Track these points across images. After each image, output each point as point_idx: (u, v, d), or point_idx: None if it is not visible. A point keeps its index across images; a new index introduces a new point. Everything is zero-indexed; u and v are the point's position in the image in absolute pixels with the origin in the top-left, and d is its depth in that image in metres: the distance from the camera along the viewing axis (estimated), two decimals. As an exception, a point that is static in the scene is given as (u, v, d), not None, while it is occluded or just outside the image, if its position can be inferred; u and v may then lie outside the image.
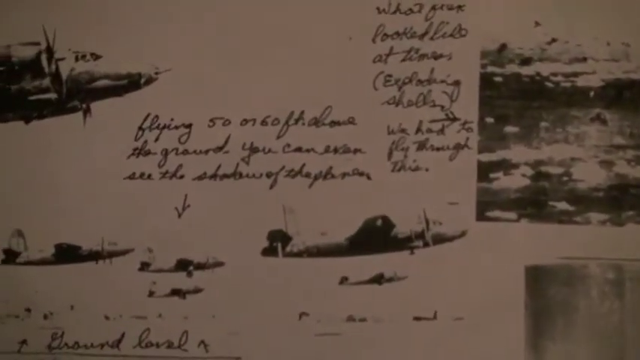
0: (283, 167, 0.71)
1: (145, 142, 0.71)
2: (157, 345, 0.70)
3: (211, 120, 0.71)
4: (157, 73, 0.71)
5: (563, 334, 0.67)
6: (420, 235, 0.68)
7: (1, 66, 0.71)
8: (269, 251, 0.71)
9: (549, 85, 0.69)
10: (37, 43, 0.72)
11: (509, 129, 0.69)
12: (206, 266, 0.70)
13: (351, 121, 0.70)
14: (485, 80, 0.70)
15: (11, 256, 0.72)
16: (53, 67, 0.71)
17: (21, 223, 0.72)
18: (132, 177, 0.71)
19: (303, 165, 0.70)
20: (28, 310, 0.71)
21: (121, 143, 0.72)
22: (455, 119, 0.69)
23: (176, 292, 0.71)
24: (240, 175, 0.71)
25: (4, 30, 0.71)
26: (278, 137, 0.71)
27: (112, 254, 0.70)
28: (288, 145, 0.70)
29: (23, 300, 0.72)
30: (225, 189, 0.71)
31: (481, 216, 0.69)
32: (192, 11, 0.71)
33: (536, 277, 0.68)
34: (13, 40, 0.72)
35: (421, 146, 0.69)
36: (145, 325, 0.71)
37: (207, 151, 0.71)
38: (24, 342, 0.71)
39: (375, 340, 0.69)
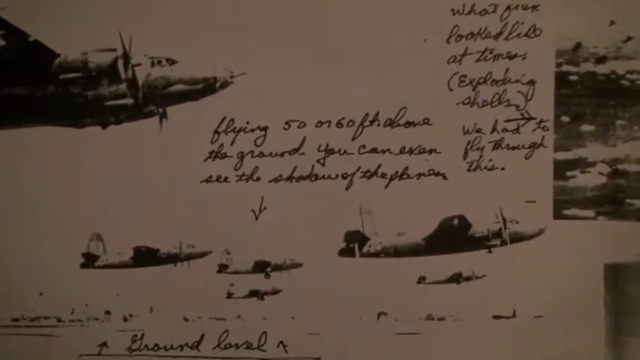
0: (359, 168, 0.72)
1: (221, 145, 0.72)
2: (237, 346, 0.71)
3: (287, 122, 0.73)
4: (232, 77, 0.72)
5: (643, 331, 0.67)
6: (498, 234, 0.69)
7: (79, 72, 0.72)
8: (346, 252, 0.72)
9: (625, 83, 0.71)
10: (114, 50, 0.73)
11: (585, 127, 0.70)
12: (284, 267, 0.72)
13: (426, 121, 0.71)
14: (561, 79, 0.71)
15: (90, 260, 0.74)
16: (130, 72, 0.73)
17: (100, 227, 0.74)
18: (209, 180, 0.72)
19: (379, 166, 0.72)
20: (108, 312, 0.73)
21: (198, 147, 0.73)
22: (530, 118, 0.70)
23: (254, 294, 0.73)
24: (316, 177, 0.72)
25: (80, 37, 0.73)
26: (353, 138, 0.72)
27: (190, 257, 0.71)
28: (364, 147, 0.72)
29: (103, 303, 0.74)
30: (302, 190, 0.72)
31: (558, 214, 0.70)
32: (267, 15, 0.72)
33: (615, 275, 0.69)
34: (90, 46, 0.74)
35: (497, 145, 0.69)
36: (224, 326, 0.73)
37: (282, 154, 0.72)
38: (104, 344, 0.73)
39: (454, 339, 0.71)
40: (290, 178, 0.71)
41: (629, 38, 0.70)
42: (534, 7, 0.70)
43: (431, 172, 0.70)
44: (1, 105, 0.72)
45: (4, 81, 0.72)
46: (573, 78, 0.70)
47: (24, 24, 0.72)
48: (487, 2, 0.71)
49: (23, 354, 0.72)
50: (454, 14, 0.71)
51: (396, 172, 0.71)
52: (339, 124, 0.71)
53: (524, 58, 0.70)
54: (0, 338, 0.73)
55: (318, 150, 0.72)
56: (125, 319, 0.73)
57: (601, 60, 0.70)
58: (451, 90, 0.71)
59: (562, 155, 0.70)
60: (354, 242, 0.71)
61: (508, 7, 0.71)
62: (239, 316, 0.72)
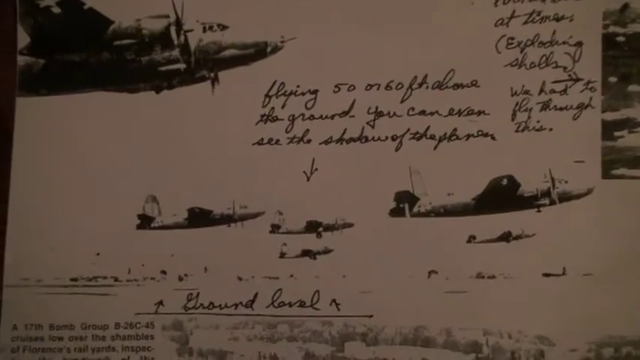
0: (408, 130, 0.74)
1: (272, 108, 0.74)
2: (290, 304, 0.73)
3: (336, 86, 0.75)
4: (282, 42, 0.75)
5: (690, 288, 0.68)
6: (546, 194, 0.70)
7: (132, 39, 0.74)
8: (396, 212, 0.74)
9: None
10: (166, 16, 0.76)
11: (633, 88, 0.71)
12: (335, 227, 0.74)
13: (474, 83, 0.72)
14: (608, 40, 0.73)
15: (146, 221, 0.76)
16: (182, 38, 0.74)
17: (155, 189, 0.76)
18: (260, 142, 0.74)
19: (428, 127, 0.74)
20: (164, 272, 0.75)
21: (249, 110, 0.76)
22: (578, 79, 0.71)
23: (306, 253, 0.74)
24: (366, 139, 0.74)
25: (134, 4, 0.76)
26: (402, 101, 0.74)
27: (243, 217, 0.74)
28: (413, 109, 0.74)
29: (159, 263, 0.76)
30: (352, 152, 0.75)
31: (607, 174, 0.72)
32: None
33: None
34: (143, 13, 0.76)
35: (545, 106, 0.70)
36: (278, 285, 0.75)
37: (333, 116, 0.74)
38: (160, 303, 0.75)
39: (504, 297, 0.72)
40: (340, 140, 0.73)
41: (676, -2, 0.70)
42: None
43: (479, 133, 0.71)
44: (58, 71, 0.74)
45: (60, 48, 0.74)
46: (620, 39, 0.71)
47: (79, -8, 0.73)
48: None
49: (81, 312, 0.74)
50: (502, -23, 0.71)
51: (445, 134, 0.72)
52: (387, 87, 0.72)
53: (571, 20, 0.71)
54: (59, 297, 0.75)
55: (368, 112, 0.73)
56: (180, 279, 0.74)
57: (648, 21, 0.71)
58: (499, 52, 0.72)
59: (610, 116, 0.70)
60: (405, 202, 0.72)
61: (556, -31, 0.71)
62: (292, 276, 0.74)
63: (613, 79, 0.72)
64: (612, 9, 0.72)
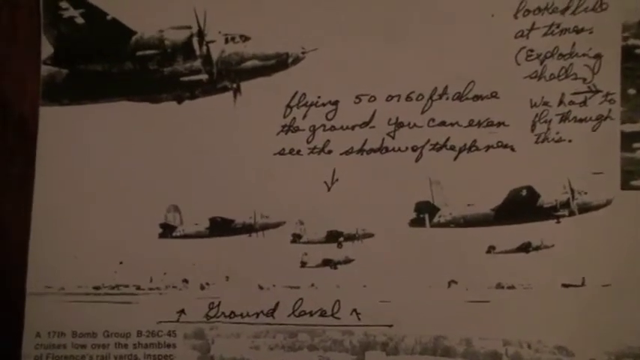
0: (428, 141, 0.75)
1: (294, 119, 0.75)
2: (311, 313, 0.74)
3: (357, 97, 0.76)
4: (303, 53, 0.76)
5: None
6: (566, 205, 0.71)
7: (155, 49, 0.76)
8: (417, 222, 0.75)
9: None
10: (189, 27, 0.77)
11: None
12: (356, 237, 0.75)
13: (494, 95, 0.73)
14: (627, 53, 0.74)
15: (168, 230, 0.77)
16: (204, 49, 0.76)
17: (177, 198, 0.77)
18: (281, 153, 0.75)
19: (448, 138, 0.75)
20: (186, 281, 0.76)
21: (271, 121, 0.77)
22: (597, 91, 0.72)
23: (327, 263, 0.75)
24: (387, 150, 0.75)
25: (157, 15, 0.77)
26: (422, 112, 0.75)
27: (264, 227, 0.75)
28: (433, 120, 0.75)
29: (181, 272, 0.77)
30: (372, 163, 0.76)
31: (626, 185, 0.73)
32: None
33: None
34: (166, 24, 0.77)
35: (564, 118, 0.71)
36: (299, 294, 0.76)
37: (353, 127, 0.75)
38: (182, 311, 0.76)
39: (523, 307, 0.73)
40: (361, 151, 0.74)
41: (694, 11, 0.71)
42: None
43: (499, 144, 0.72)
44: (80, 81, 0.75)
45: (83, 58, 0.75)
46: (639, 51, 0.71)
47: (102, 3, 0.74)
48: None
49: (104, 320, 0.75)
50: (522, -11, 0.72)
51: (465, 145, 0.73)
52: (408, 98, 0.73)
53: (590, 33, 0.72)
54: (82, 305, 0.76)
55: (388, 123, 0.74)
56: (202, 288, 0.75)
57: (667, 33, 0.71)
58: (519, 64, 0.73)
59: (629, 127, 0.71)
60: (425, 212, 0.73)
61: (575, -18, 0.72)
62: (313, 285, 0.75)
63: (632, 91, 0.73)
64: (631, 22, 0.73)
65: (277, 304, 0.76)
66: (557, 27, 0.74)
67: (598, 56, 0.74)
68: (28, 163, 0.76)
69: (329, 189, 0.76)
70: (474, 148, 0.75)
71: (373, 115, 0.75)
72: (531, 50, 0.74)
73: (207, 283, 0.77)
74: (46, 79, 0.76)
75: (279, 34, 0.76)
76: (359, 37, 0.75)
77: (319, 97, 0.76)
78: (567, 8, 0.74)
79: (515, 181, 0.75)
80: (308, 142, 0.76)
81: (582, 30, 0.74)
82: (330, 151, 0.76)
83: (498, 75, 0.74)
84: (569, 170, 0.74)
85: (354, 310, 0.75)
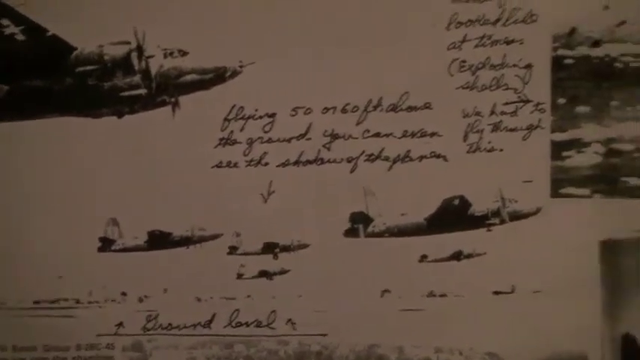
0: (363, 152, 0.83)
1: (231, 132, 0.83)
2: (247, 324, 0.82)
3: (294, 109, 0.83)
4: (241, 67, 0.83)
5: (638, 305, 0.79)
6: (497, 213, 0.81)
7: (95, 65, 0.84)
8: (351, 232, 0.83)
9: (619, 65, 0.81)
10: (128, 42, 0.84)
11: (581, 109, 0.81)
12: (291, 248, 0.83)
13: (427, 106, 0.82)
14: (557, 63, 0.81)
15: (107, 244, 0.84)
16: (143, 64, 0.84)
17: (116, 212, 0.85)
18: (219, 165, 0.83)
19: (382, 149, 0.82)
20: (124, 294, 0.84)
21: (208, 134, 0.84)
22: (528, 101, 0.81)
23: (263, 274, 0.83)
24: (322, 161, 0.83)
25: (96, 31, 0.83)
26: (358, 123, 0.83)
27: (201, 239, 0.83)
28: (368, 131, 0.82)
29: (119, 285, 0.84)
30: (308, 174, 0.83)
31: (555, 193, 0.81)
32: (273, 6, 0.83)
33: (611, 250, 0.80)
34: (105, 40, 0.84)
35: (495, 128, 0.81)
36: (235, 305, 0.83)
37: (290, 139, 0.83)
38: (120, 324, 0.84)
39: (455, 315, 0.80)
40: (297, 163, 0.83)
41: (622, 22, 0.81)
42: None
43: (432, 154, 0.82)
44: (21, 97, 0.83)
45: (24, 74, 0.83)
46: (569, 62, 0.82)
47: (43, 19, 0.84)
48: None
49: (44, 334, 0.83)
50: (453, 2, 0.82)
51: (399, 155, 0.82)
52: (343, 110, 0.83)
53: (521, 43, 0.82)
54: (23, 320, 0.83)
55: (324, 135, 0.83)
56: (140, 300, 0.84)
57: (595, 44, 0.82)
58: (451, 75, 0.82)
59: (558, 136, 0.82)
60: (359, 223, 0.83)
61: (505, -5, 0.82)
62: (249, 296, 0.83)
63: (562, 101, 0.84)
64: (561, 32, 0.83)
65: (214, 315, 0.86)
66: (489, 38, 0.85)
67: (528, 67, 0.84)
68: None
69: (265, 201, 0.86)
70: (407, 159, 0.85)
71: (309, 127, 0.85)
72: (464, 61, 0.84)
73: (146, 296, 0.86)
74: (-13, 95, 0.87)
75: (217, 48, 0.84)
76: (295, 50, 0.84)
77: (256, 110, 0.85)
78: (498, 20, 0.85)
79: (447, 191, 0.83)
80: (245, 155, 0.85)
81: (513, 41, 0.84)
82: (266, 164, 0.85)
83: (432, 86, 0.83)
84: (501, 179, 0.83)
85: (290, 320, 0.85)
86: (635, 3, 0.80)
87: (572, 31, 0.81)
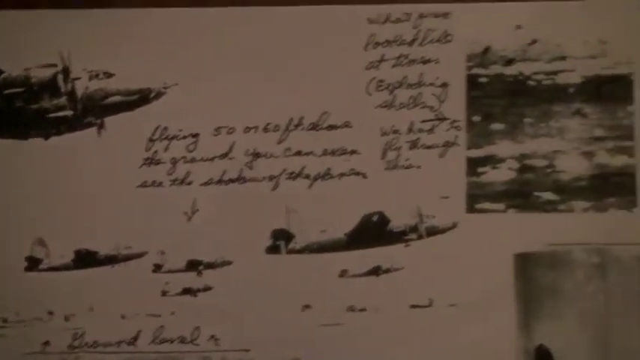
0: (284, 170, 0.88)
1: (156, 152, 0.89)
2: (171, 341, 0.87)
3: (216, 129, 0.89)
4: (165, 88, 0.89)
5: (552, 316, 0.85)
6: (414, 229, 0.88)
7: (22, 87, 0.89)
8: (273, 249, 0.88)
9: (532, 83, 0.87)
10: (54, 65, 0.90)
11: (495, 126, 0.87)
12: (215, 266, 0.88)
13: (347, 124, 0.88)
14: (472, 81, 0.88)
15: (34, 263, 0.89)
16: (69, 86, 0.89)
17: (42, 231, 0.89)
18: (144, 185, 0.89)
19: (303, 167, 0.88)
20: (51, 312, 0.88)
21: (133, 154, 0.89)
22: (444, 119, 0.88)
23: (187, 291, 0.88)
24: (245, 180, 0.89)
25: (23, 54, 0.89)
26: (279, 142, 0.89)
27: (127, 258, 0.88)
28: (289, 150, 0.88)
29: (46, 303, 0.88)
30: (231, 193, 0.88)
31: (471, 208, 0.87)
32: (195, 29, 0.89)
33: (525, 264, 0.85)
34: (32, 63, 0.90)
35: (413, 145, 0.87)
36: (159, 322, 0.88)
37: (213, 158, 0.89)
38: (47, 343, 0.88)
39: (374, 329, 0.85)
40: (220, 182, 0.89)
41: (534, 41, 0.90)
42: (445, 15, 0.88)
43: (352, 171, 0.89)
44: None
45: None
46: (483, 80, 0.90)
47: (-30, 44, 0.86)
48: (401, 11, 0.88)
49: None
50: (371, 23, 0.90)
51: (319, 173, 0.88)
52: (265, 129, 0.89)
53: (437, 63, 0.89)
54: None
55: (246, 154, 0.89)
56: (67, 319, 0.88)
57: (509, 62, 0.90)
58: (370, 94, 0.89)
59: (474, 153, 0.89)
60: (281, 240, 0.88)
61: (421, 16, 0.89)
62: (173, 313, 0.88)
63: (477, 118, 0.93)
64: (475, 52, 0.91)
65: (139, 332, 0.90)
66: (406, 58, 0.93)
67: (444, 85, 0.90)
68: None
69: (189, 219, 0.92)
70: (328, 176, 0.91)
71: (232, 147, 0.90)
72: (381, 81, 0.91)
73: (72, 314, 0.89)
74: None
75: (141, 70, 0.90)
76: (217, 71, 0.89)
77: (180, 130, 0.91)
78: (414, 40, 0.92)
79: (367, 207, 0.89)
80: (169, 174, 0.92)
81: (429, 61, 0.91)
82: (190, 183, 0.91)
83: (351, 105, 0.89)
84: (418, 195, 0.89)
85: (213, 336, 0.91)
86: (546, 22, 0.86)
87: (486, 51, 0.87)
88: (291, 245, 0.88)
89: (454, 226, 0.87)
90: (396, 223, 0.87)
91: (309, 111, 0.89)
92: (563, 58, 0.87)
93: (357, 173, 0.88)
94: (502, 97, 0.88)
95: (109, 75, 0.90)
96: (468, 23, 0.88)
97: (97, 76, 0.91)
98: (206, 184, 0.89)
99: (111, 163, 0.89)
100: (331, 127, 0.88)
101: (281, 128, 0.89)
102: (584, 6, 0.87)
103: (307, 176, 0.88)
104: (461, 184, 0.87)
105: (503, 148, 0.88)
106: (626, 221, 0.86)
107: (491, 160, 0.87)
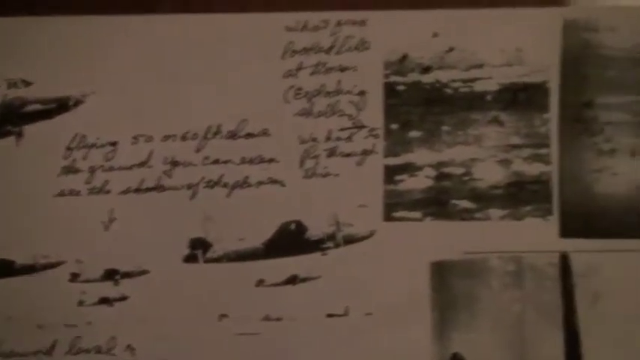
0: (203, 178, 0.88)
1: (74, 160, 0.89)
2: (87, 351, 0.87)
3: (134, 137, 0.89)
4: (83, 96, 0.89)
5: (467, 324, 0.85)
6: (332, 237, 0.87)
7: None
8: (191, 258, 0.88)
9: (449, 91, 0.87)
10: None
11: (413, 134, 0.88)
12: (132, 275, 0.87)
13: (265, 132, 0.88)
14: (389, 89, 0.88)
15: None
16: None
17: None
18: (62, 194, 0.88)
19: (222, 176, 0.88)
20: None
21: (52, 163, 0.89)
22: (362, 127, 0.87)
23: (104, 301, 0.88)
24: (163, 188, 0.88)
25: None
26: (197, 150, 0.88)
27: (44, 267, 0.87)
28: (207, 158, 0.88)
29: None
30: (149, 201, 0.88)
31: (388, 216, 0.87)
32: (114, 37, 0.89)
33: (441, 272, 0.86)
34: None
35: (331, 153, 0.87)
36: (76, 332, 0.87)
37: (131, 167, 0.88)
38: None
39: (290, 338, 0.85)
40: (138, 190, 0.89)
41: (451, 49, 0.90)
42: (362, 22, 0.88)
43: (270, 180, 0.89)
44: None
45: None
46: (401, 88, 0.90)
47: None
48: (318, 19, 0.89)
49: None
50: (288, 30, 0.90)
51: (238, 181, 0.88)
52: (183, 138, 0.89)
53: (354, 71, 0.89)
54: None
55: (164, 162, 0.89)
56: None
57: (426, 70, 0.90)
58: (288, 102, 0.89)
59: (392, 161, 0.89)
60: (198, 249, 0.88)
61: (338, 23, 0.89)
62: (89, 323, 0.88)
63: (394, 126, 0.92)
64: (392, 60, 0.91)
65: (55, 342, 0.91)
66: (324, 66, 0.92)
67: (362, 93, 0.90)
68: None
69: (107, 228, 0.93)
70: (246, 185, 0.91)
71: (150, 155, 0.91)
72: (300, 89, 0.91)
73: None
74: None
75: (59, 78, 0.89)
76: (135, 79, 0.90)
77: (98, 138, 0.91)
78: (332, 48, 0.92)
79: (285, 216, 0.89)
80: (87, 183, 0.91)
81: (347, 68, 0.91)
82: (108, 191, 0.91)
83: (269, 113, 0.89)
84: (336, 203, 0.89)
85: (129, 345, 0.91)
86: (462, 30, 0.86)
87: (404, 58, 0.87)
88: (209, 254, 0.87)
89: (371, 234, 0.87)
90: (314, 231, 0.87)
91: (227, 119, 0.89)
92: (479, 66, 0.87)
93: (275, 181, 0.88)
94: (419, 104, 0.88)
95: (27, 83, 0.90)
96: (385, 31, 0.88)
97: (15, 84, 0.90)
98: (124, 192, 0.89)
99: (29, 171, 0.89)
100: (249, 136, 0.88)
101: (199, 136, 0.89)
102: (500, 14, 0.87)
103: (225, 184, 0.88)
104: (378, 192, 0.87)
105: (420, 155, 0.88)
106: (542, 229, 0.87)
107: (409, 168, 0.88)
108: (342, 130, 0.88)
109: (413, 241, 0.87)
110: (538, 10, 0.87)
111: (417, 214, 0.86)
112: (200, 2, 0.90)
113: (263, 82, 0.88)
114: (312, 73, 0.88)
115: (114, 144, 0.90)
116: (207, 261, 0.88)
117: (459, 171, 0.87)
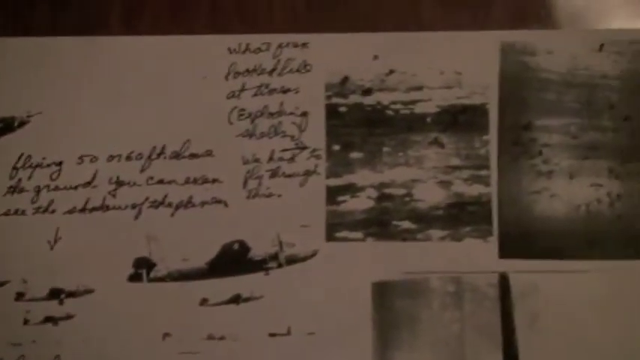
0: (147, 198, 0.89)
1: (19, 180, 0.89)
2: None
3: (80, 157, 0.90)
4: (29, 116, 0.89)
5: (408, 344, 0.86)
6: (274, 257, 0.88)
7: None
8: (135, 277, 0.89)
9: (389, 112, 0.89)
10: None
11: (355, 155, 0.89)
12: (77, 294, 0.88)
13: (208, 153, 0.89)
14: (331, 111, 0.89)
15: None
16: None
17: None
18: (7, 214, 0.89)
19: (166, 196, 0.89)
20: None
21: None
22: (304, 148, 0.88)
23: (49, 320, 0.89)
24: (108, 208, 0.89)
25: None
26: (142, 171, 0.89)
27: None
28: (151, 178, 0.89)
29: None
30: (94, 221, 0.89)
31: (330, 237, 0.88)
32: (58, 58, 0.90)
33: (382, 292, 0.87)
34: None
35: (274, 174, 0.88)
36: (20, 351, 0.88)
37: (76, 187, 0.89)
38: None
39: (233, 357, 0.86)
40: (83, 210, 0.90)
41: (391, 71, 0.91)
42: (304, 45, 0.90)
43: (213, 200, 0.91)
44: None
45: None
46: (342, 109, 0.91)
47: None
48: (260, 41, 0.90)
49: None
50: (231, 52, 0.91)
51: (182, 201, 0.89)
52: (128, 158, 0.90)
53: (297, 92, 0.90)
54: None
55: (109, 182, 0.90)
56: None
57: (367, 92, 0.91)
58: (231, 123, 0.90)
59: (334, 181, 0.90)
60: (143, 268, 0.89)
61: (280, 45, 0.90)
62: (34, 341, 0.88)
63: (336, 147, 0.93)
64: (334, 82, 0.92)
65: None
66: (267, 87, 0.93)
67: (304, 114, 0.91)
68: None
69: (52, 247, 0.93)
70: (190, 205, 0.92)
71: (95, 175, 0.93)
72: (243, 110, 0.92)
73: None
74: None
75: (5, 98, 0.91)
76: (81, 100, 0.90)
77: (44, 158, 0.91)
78: (274, 69, 0.93)
79: (228, 236, 0.90)
80: (33, 203, 0.92)
81: (289, 90, 0.92)
82: (53, 211, 0.92)
83: (212, 134, 0.90)
84: (279, 224, 0.90)
85: (73, 364, 0.93)
86: (402, 53, 0.87)
87: (345, 80, 0.88)
88: (153, 273, 0.88)
89: (314, 254, 0.88)
90: (257, 251, 0.88)
91: (171, 139, 0.90)
92: (419, 88, 0.89)
93: (219, 201, 0.89)
94: (361, 126, 0.89)
95: (-28, 104, 0.83)
96: (327, 53, 0.89)
97: (-40, 104, 0.83)
98: (69, 212, 0.90)
99: (-26, 192, 0.82)
100: (193, 156, 0.89)
101: (144, 156, 0.89)
102: (439, 37, 0.89)
103: (169, 204, 0.89)
104: (321, 213, 0.88)
105: (362, 176, 0.89)
106: (482, 250, 0.88)
107: (351, 189, 0.88)
108: (284, 150, 0.88)
109: (355, 261, 0.87)
110: (476, 33, 0.88)
111: (358, 235, 0.87)
112: (145, 24, 0.88)
113: (207, 103, 0.89)
114: (254, 95, 0.89)
115: (59, 164, 0.90)
116: (151, 280, 0.89)
117: (400, 192, 0.87)
